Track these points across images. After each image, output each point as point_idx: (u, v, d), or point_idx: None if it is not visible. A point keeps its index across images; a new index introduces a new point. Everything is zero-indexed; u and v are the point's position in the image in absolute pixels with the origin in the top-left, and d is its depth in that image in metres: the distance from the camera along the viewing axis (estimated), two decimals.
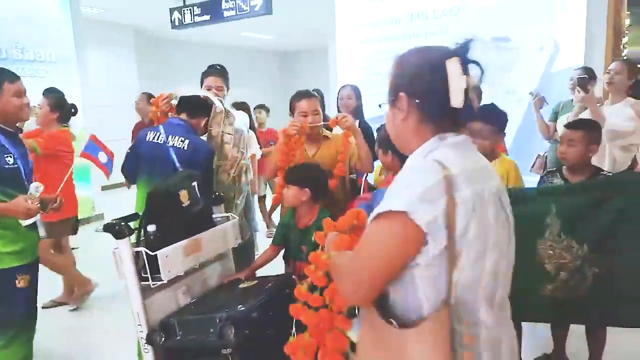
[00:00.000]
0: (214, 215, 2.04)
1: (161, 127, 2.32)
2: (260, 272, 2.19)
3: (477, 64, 1.01)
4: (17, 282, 2.05)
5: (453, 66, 0.97)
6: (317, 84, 5.19)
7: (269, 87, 11.80)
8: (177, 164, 2.21)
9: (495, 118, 2.34)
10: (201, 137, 2.41)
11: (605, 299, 2.03)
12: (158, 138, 2.28)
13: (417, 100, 1.01)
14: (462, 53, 1.00)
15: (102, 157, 3.38)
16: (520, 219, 2.08)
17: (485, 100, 3.25)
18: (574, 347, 2.46)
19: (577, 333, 2.43)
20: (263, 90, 10.58)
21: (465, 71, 0.98)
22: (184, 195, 1.79)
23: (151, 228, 1.72)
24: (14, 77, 2.11)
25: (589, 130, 2.24)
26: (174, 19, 6.48)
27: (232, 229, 2.04)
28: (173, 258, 1.72)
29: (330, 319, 1.39)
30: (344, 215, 1.39)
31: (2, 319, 2.07)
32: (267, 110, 5.38)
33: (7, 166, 2.02)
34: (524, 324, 2.40)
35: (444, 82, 0.97)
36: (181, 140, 2.25)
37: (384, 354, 0.96)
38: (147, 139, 2.31)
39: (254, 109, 5.00)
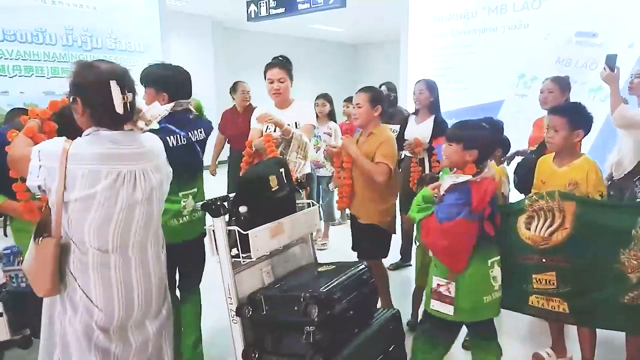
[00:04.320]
0: (297, 201, 2.15)
1: (174, 128, 2.11)
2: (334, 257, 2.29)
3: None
4: None
5: (114, 86, 1.45)
6: (387, 77, 5.20)
7: (337, 79, 11.89)
8: (201, 155, 2.25)
9: (572, 112, 2.29)
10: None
11: None
12: (182, 140, 2.12)
13: (88, 105, 1.48)
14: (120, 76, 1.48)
15: None
16: (602, 227, 2.09)
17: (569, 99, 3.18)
18: None
19: None
20: (330, 82, 10.68)
21: (124, 90, 1.47)
22: (272, 179, 1.91)
23: (243, 209, 1.86)
24: None
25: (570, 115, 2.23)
26: (250, 11, 6.71)
27: (313, 215, 2.15)
28: (261, 238, 1.85)
29: None
30: None
31: None
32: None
33: None
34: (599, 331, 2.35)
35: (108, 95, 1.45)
36: (199, 132, 2.23)
37: None
38: (170, 145, 2.04)
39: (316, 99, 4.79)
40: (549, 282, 2.27)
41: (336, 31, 10.93)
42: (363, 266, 2.01)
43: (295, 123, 2.81)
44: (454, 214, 1.91)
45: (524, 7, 5.14)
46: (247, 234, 1.79)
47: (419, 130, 3.50)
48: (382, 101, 2.73)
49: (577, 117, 2.24)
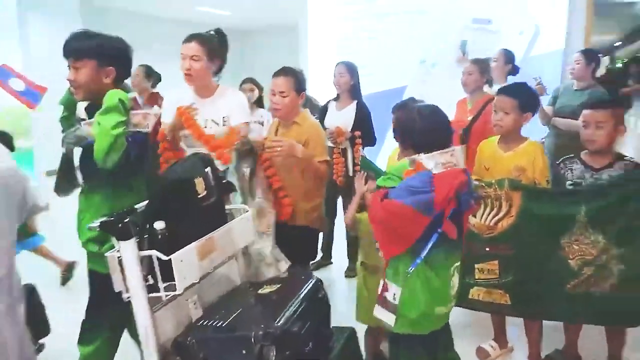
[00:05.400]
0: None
1: None
2: None
3: None
4: None
5: None
6: (285, 64, 4.82)
7: (228, 66, 11.17)
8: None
9: (522, 94, 2.17)
10: None
11: (629, 297, 1.98)
12: None
13: None
14: None
15: (16, 84, 2.80)
16: (548, 218, 2.02)
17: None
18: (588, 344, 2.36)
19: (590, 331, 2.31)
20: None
21: None
22: (199, 183, 1.45)
23: (160, 225, 1.38)
24: None
25: (616, 109, 2.12)
26: None
27: (247, 223, 1.72)
28: (189, 262, 1.39)
29: None
30: None
31: None
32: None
33: None
34: None
35: None
36: None
37: None
38: None
39: None
40: (492, 271, 2.22)
41: (224, 15, 10.26)
42: (315, 280, 1.66)
43: (223, 118, 2.24)
44: (403, 198, 1.55)
45: None
46: (170, 259, 1.33)
47: (341, 117, 3.22)
48: (305, 86, 2.37)
49: (527, 99, 2.13)
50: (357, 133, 3.19)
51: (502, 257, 2.14)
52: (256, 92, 3.99)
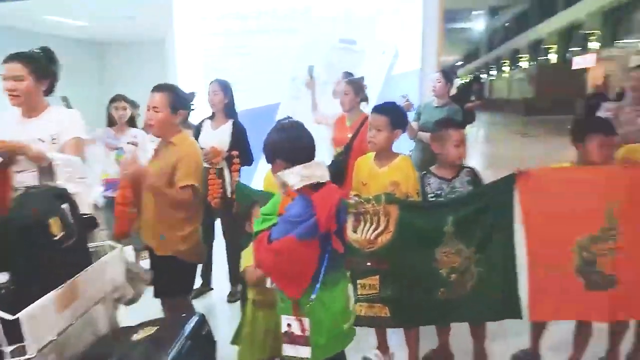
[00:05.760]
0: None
1: None
2: None
3: None
4: None
5: None
6: (151, 80, 4.51)
7: (83, 82, 10.19)
8: None
9: (393, 112, 2.29)
10: None
11: (484, 296, 2.20)
12: None
13: None
14: None
15: None
16: (421, 230, 2.16)
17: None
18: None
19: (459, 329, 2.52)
20: (77, 84, 9.07)
21: None
22: (54, 223, 1.24)
23: (1, 278, 1.15)
24: None
25: (392, 115, 2.27)
26: None
27: (117, 262, 1.53)
28: (44, 318, 1.18)
29: None
30: None
31: None
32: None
33: None
34: None
35: None
36: None
37: None
38: None
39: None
40: (372, 286, 2.28)
41: (78, 25, 9.36)
42: (198, 317, 1.53)
43: (52, 136, 2.06)
44: (288, 232, 1.52)
45: (293, 11, 5.24)
46: (18, 318, 1.11)
47: (216, 137, 3.10)
48: (187, 104, 2.24)
49: (397, 117, 2.24)
50: (235, 152, 3.10)
51: (382, 271, 2.21)
52: (128, 111, 3.68)
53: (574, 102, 17.37)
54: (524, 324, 2.34)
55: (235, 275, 3.28)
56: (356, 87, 3.11)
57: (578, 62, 18.29)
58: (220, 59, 5.32)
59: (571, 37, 26.06)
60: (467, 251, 2.17)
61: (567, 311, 2.18)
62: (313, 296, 1.52)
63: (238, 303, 2.10)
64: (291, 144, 1.58)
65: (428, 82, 4.19)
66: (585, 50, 22.21)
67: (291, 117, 2.06)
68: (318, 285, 1.53)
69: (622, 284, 2.09)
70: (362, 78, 3.28)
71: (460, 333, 2.47)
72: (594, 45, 21.70)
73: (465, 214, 2.16)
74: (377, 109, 2.31)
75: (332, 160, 2.90)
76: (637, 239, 2.07)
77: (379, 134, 2.22)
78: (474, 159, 10.29)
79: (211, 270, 3.52)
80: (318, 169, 1.55)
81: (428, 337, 2.51)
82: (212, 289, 3.53)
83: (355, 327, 1.74)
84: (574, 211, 2.10)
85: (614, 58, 16.70)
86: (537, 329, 2.48)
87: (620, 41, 19.40)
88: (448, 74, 3.79)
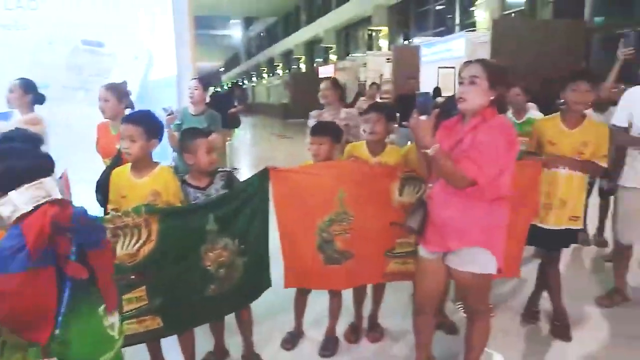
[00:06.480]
0: None
1: None
2: None
3: None
4: None
5: None
6: None
7: None
8: None
9: (147, 122, 2.24)
10: None
11: (247, 281, 2.43)
12: None
13: None
14: None
15: None
16: (183, 232, 2.21)
17: (80, 105, 3.08)
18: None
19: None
20: None
21: None
22: None
23: None
24: None
25: (146, 125, 2.21)
26: None
27: None
28: None
29: None
30: None
31: None
32: None
33: None
34: None
35: None
36: None
37: None
38: None
39: None
40: (140, 299, 2.23)
41: None
42: None
43: None
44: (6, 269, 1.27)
45: (19, 5, 4.54)
46: None
47: None
48: None
49: (152, 126, 2.19)
50: None
51: (149, 282, 2.17)
52: None
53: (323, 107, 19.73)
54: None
55: None
56: (118, 92, 2.93)
57: (323, 72, 20.90)
58: None
59: (314, 50, 29.74)
60: (233, 244, 2.33)
61: (313, 281, 2.64)
62: (57, 332, 1.34)
63: None
64: (7, 166, 1.33)
65: (185, 88, 4.20)
66: (327, 62, 25.64)
67: None
68: (60, 319, 1.33)
69: (355, 257, 2.55)
70: (125, 83, 3.09)
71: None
72: (333, 57, 25.26)
73: (225, 210, 2.31)
74: (129, 119, 2.23)
75: (103, 172, 2.64)
76: (364, 220, 2.53)
77: (133, 144, 2.15)
78: (243, 160, 10.96)
79: None
80: (43, 188, 1.36)
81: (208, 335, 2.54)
82: None
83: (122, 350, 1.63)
84: (314, 199, 2.50)
85: (347, 69, 19.67)
86: (300, 305, 2.79)
87: (351, 55, 23.06)
88: (205, 81, 3.87)
